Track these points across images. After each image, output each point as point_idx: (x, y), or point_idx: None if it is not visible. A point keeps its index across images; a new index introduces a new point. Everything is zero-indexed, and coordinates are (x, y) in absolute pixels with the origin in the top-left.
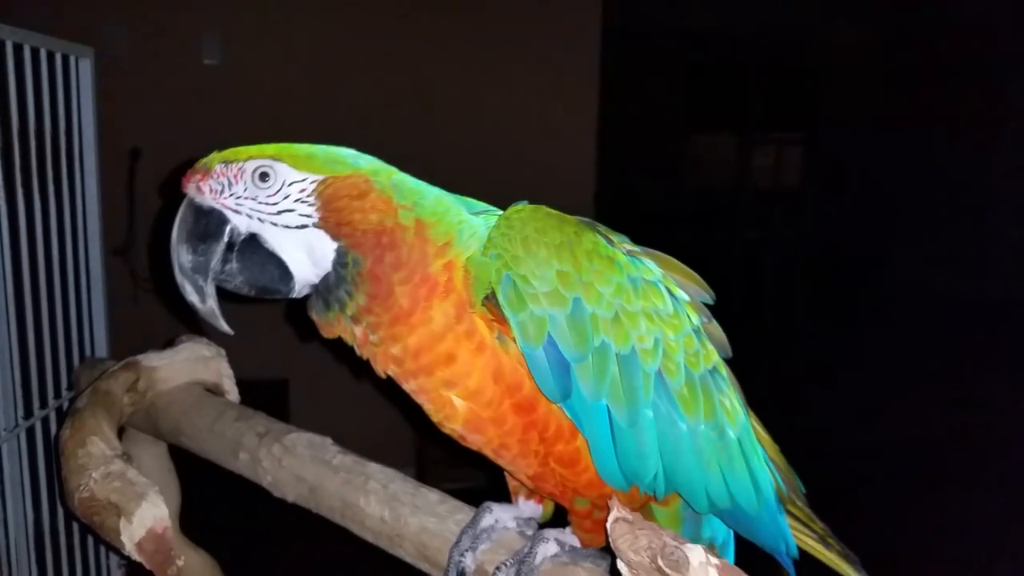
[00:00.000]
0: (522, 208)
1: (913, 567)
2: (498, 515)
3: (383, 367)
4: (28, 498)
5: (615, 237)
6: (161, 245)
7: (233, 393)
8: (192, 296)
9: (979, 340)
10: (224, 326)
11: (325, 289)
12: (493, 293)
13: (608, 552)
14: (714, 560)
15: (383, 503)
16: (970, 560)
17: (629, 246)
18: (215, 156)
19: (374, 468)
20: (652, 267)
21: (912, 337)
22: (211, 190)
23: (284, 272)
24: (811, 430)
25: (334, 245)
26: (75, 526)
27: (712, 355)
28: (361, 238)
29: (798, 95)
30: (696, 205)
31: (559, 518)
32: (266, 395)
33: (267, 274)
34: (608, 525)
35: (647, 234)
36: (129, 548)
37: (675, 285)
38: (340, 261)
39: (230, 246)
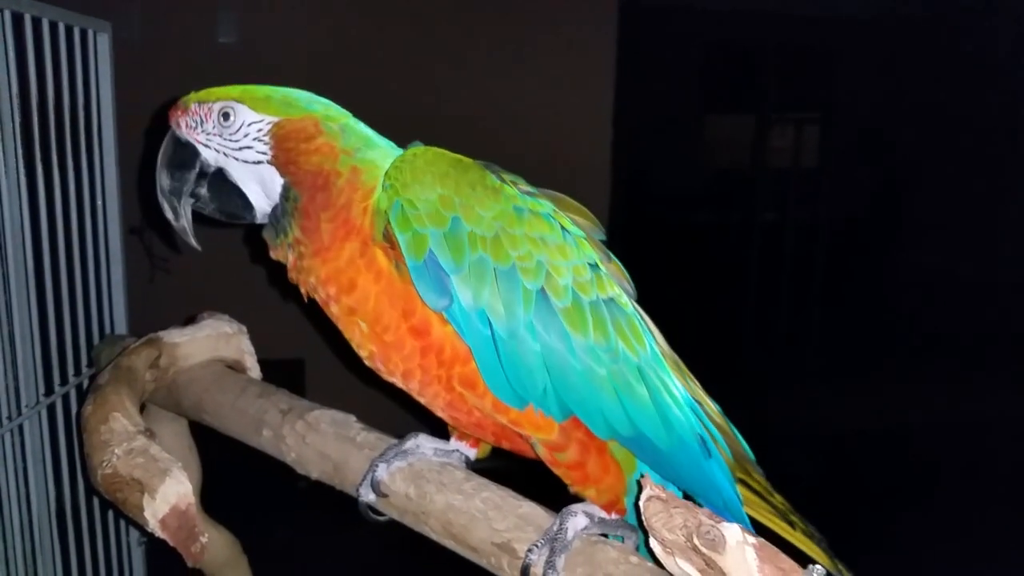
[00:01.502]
0: (418, 148)
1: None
2: (421, 442)
3: (305, 291)
4: (50, 475)
5: (509, 177)
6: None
7: (255, 370)
8: (169, 214)
9: (998, 326)
10: (194, 242)
11: (274, 218)
12: (389, 223)
13: (637, 523)
14: (751, 539)
15: (408, 480)
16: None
17: (525, 186)
18: (192, 95)
19: None
20: (544, 203)
21: (930, 322)
22: (187, 125)
23: (246, 202)
24: (824, 413)
25: (282, 181)
26: (96, 503)
27: (609, 287)
28: (302, 177)
29: (816, 75)
30: (712, 186)
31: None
32: (282, 375)
33: (232, 203)
34: (641, 503)
35: (664, 215)
36: (152, 525)
37: (570, 223)
38: (285, 195)
39: (203, 175)
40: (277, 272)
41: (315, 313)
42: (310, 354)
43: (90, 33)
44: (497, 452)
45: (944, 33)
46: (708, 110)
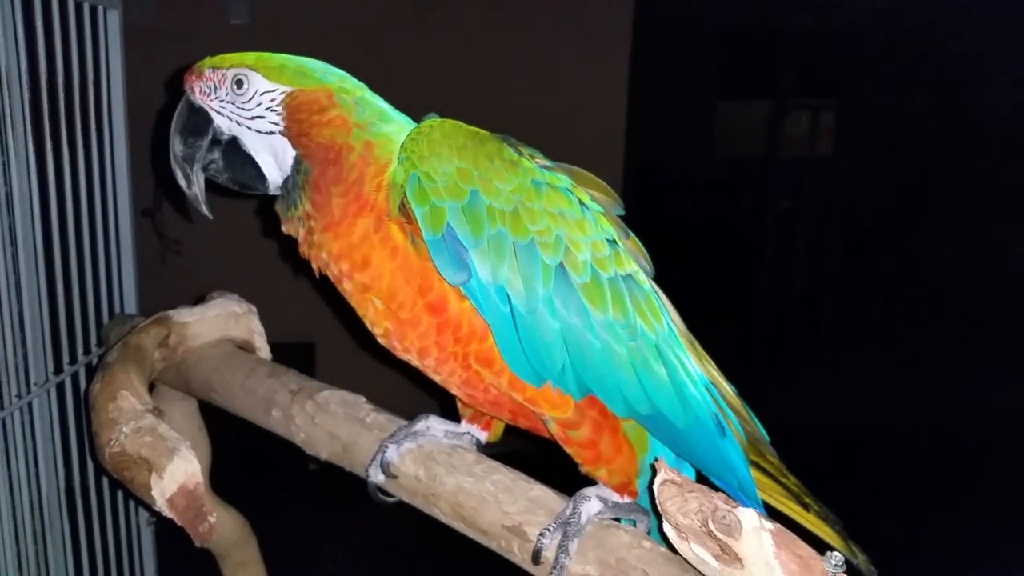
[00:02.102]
0: (434, 120)
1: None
2: (431, 423)
3: (316, 267)
4: (59, 453)
5: (527, 150)
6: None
7: (264, 350)
8: (181, 181)
9: (1015, 317)
10: (205, 210)
11: (286, 190)
12: (406, 196)
13: (650, 507)
14: (768, 525)
15: (418, 462)
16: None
17: (542, 160)
18: (207, 60)
19: None
20: (562, 177)
21: (946, 313)
22: (201, 91)
23: (259, 172)
24: (837, 404)
25: (294, 153)
26: (105, 481)
27: (627, 264)
28: (314, 150)
29: (832, 61)
30: (726, 173)
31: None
32: (292, 358)
33: (246, 172)
34: (655, 487)
35: (677, 201)
36: (160, 504)
37: (588, 197)
38: (296, 168)
39: (216, 142)
40: (289, 249)
41: (326, 294)
42: (321, 338)
43: (100, 10)
44: (509, 434)
45: (966, 19)
46: (723, 96)
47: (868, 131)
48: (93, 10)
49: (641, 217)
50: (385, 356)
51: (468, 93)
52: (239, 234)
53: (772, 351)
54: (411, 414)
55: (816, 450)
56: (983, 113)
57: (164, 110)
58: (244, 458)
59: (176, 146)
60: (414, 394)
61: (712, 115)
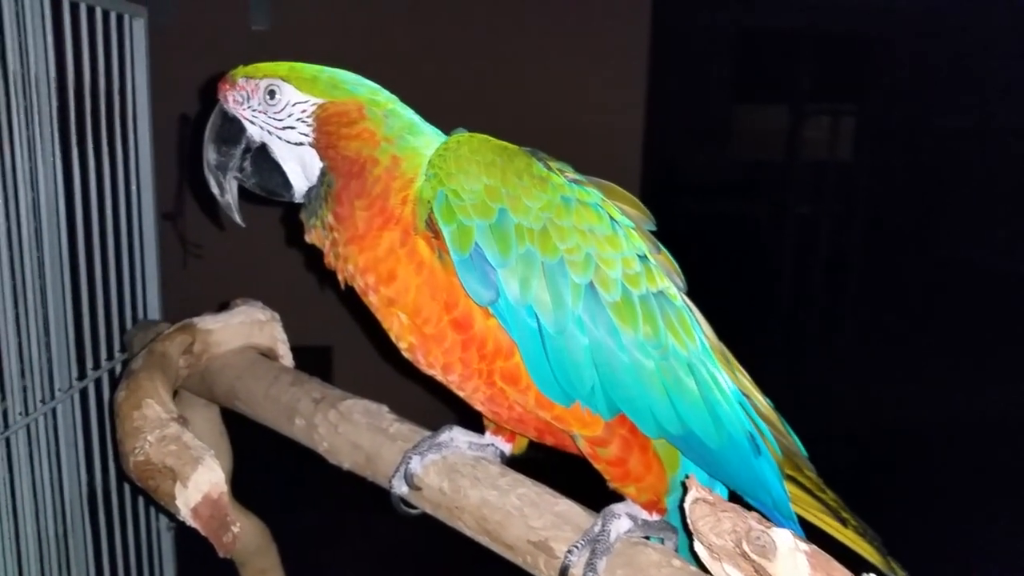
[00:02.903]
0: (462, 135)
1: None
2: (455, 435)
3: (341, 278)
4: (82, 459)
5: (556, 164)
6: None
7: (287, 358)
8: (214, 189)
9: None
10: (238, 218)
11: (310, 200)
12: (432, 212)
13: (682, 526)
14: (803, 546)
15: (442, 474)
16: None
17: (572, 174)
18: (240, 69)
19: None
20: (592, 192)
21: (965, 316)
22: (234, 100)
23: (286, 180)
24: (856, 407)
25: (321, 164)
26: (127, 487)
27: (659, 280)
28: (339, 163)
29: (852, 64)
30: (744, 176)
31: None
32: (310, 362)
33: (273, 180)
34: (687, 506)
35: (694, 205)
36: (184, 513)
37: (618, 212)
38: (321, 179)
39: (247, 150)
40: (310, 257)
41: (345, 301)
42: (338, 342)
43: (126, 18)
44: (533, 447)
45: (986, 24)
46: (741, 99)
47: (887, 135)
48: (119, 19)
49: (658, 221)
50: (407, 367)
51: (487, 98)
52: (259, 239)
53: (790, 356)
54: (427, 420)
55: (839, 458)
56: (1008, 117)
57: (185, 116)
58: (261, 464)
59: (210, 154)
60: (431, 400)
61: (731, 119)
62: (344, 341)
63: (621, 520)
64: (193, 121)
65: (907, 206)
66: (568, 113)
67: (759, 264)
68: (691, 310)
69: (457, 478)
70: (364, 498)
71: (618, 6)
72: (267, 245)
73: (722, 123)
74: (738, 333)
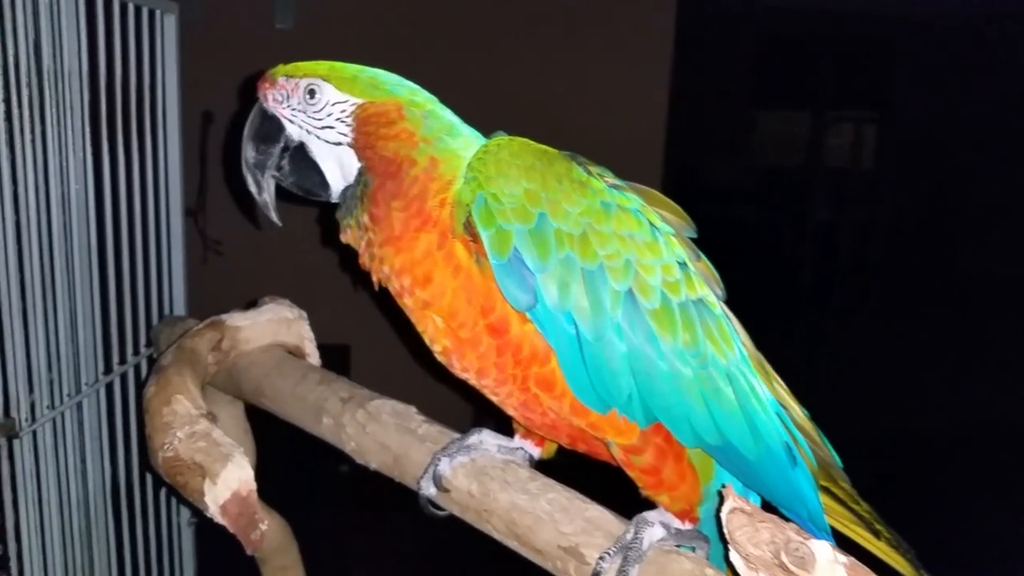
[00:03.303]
0: (502, 138)
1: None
2: (484, 438)
3: (376, 279)
4: (106, 453)
5: (596, 169)
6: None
7: (314, 356)
8: (252, 188)
9: None
10: (275, 218)
11: (345, 200)
12: (471, 216)
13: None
14: (842, 558)
15: (471, 476)
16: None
17: (611, 179)
18: (280, 68)
19: None
20: (632, 198)
21: (989, 326)
22: (274, 99)
23: (323, 180)
24: (877, 415)
25: (358, 165)
26: (148, 482)
27: (699, 288)
28: (377, 163)
29: (872, 72)
30: (765, 184)
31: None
32: (328, 361)
33: (311, 179)
34: (723, 516)
35: (714, 212)
36: (213, 511)
37: (658, 218)
38: (358, 179)
39: (285, 149)
40: (344, 257)
41: (363, 301)
42: (356, 341)
43: (157, 13)
44: (561, 452)
45: (1008, 33)
46: (763, 106)
47: (909, 143)
48: (151, 14)
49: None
50: (436, 369)
51: (509, 100)
52: (278, 236)
53: (811, 360)
54: (444, 421)
55: (874, 466)
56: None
57: (207, 113)
58: (282, 459)
59: (248, 152)
60: (449, 401)
61: (753, 125)
62: (362, 340)
63: (654, 528)
64: (232, 118)
65: (927, 214)
66: (589, 117)
67: (781, 269)
68: (730, 319)
69: (486, 481)
70: (383, 497)
71: (643, 12)
72: (286, 243)
73: (743, 129)
74: (763, 339)
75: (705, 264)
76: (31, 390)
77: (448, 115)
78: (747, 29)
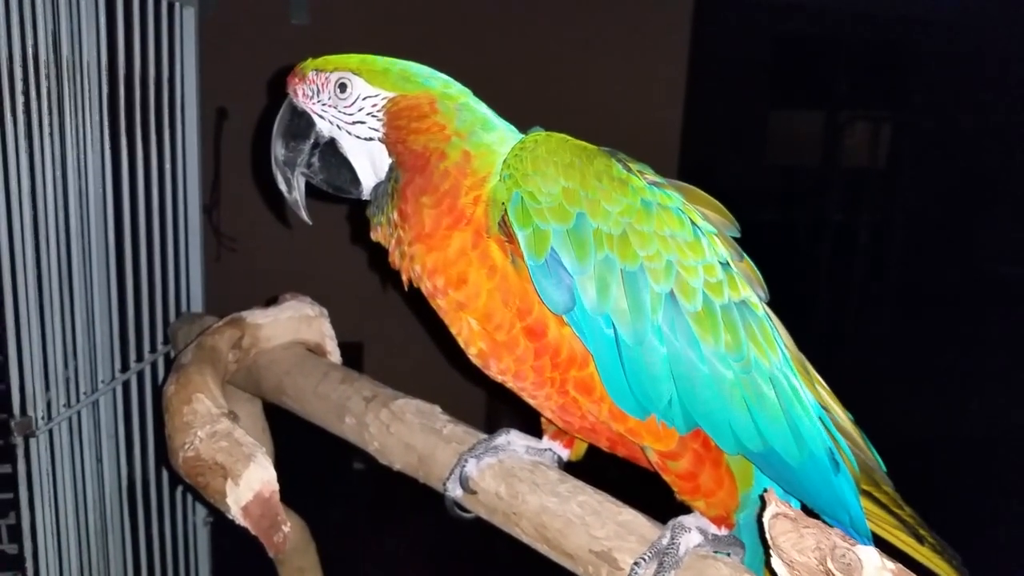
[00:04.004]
0: (539, 134)
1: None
2: (512, 438)
3: (406, 278)
4: (122, 450)
5: (636, 166)
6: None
7: (335, 354)
8: (282, 185)
9: None
10: (305, 216)
11: (375, 195)
12: (507, 214)
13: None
14: (890, 564)
15: (499, 478)
16: None
17: (652, 176)
18: (310, 63)
19: None
20: (673, 196)
21: (1005, 328)
22: (304, 94)
23: (354, 176)
24: (897, 418)
25: (389, 160)
26: (164, 480)
27: (741, 289)
28: (407, 157)
29: (889, 72)
30: (780, 183)
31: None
32: (341, 358)
33: (341, 176)
34: (766, 521)
35: (732, 209)
36: (235, 512)
37: (700, 217)
38: (389, 175)
39: (316, 145)
40: (374, 255)
41: (377, 298)
42: (369, 338)
43: (177, 7)
44: (591, 453)
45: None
46: (779, 106)
47: (924, 144)
48: (171, 7)
49: None
50: (471, 370)
51: (526, 97)
52: (291, 233)
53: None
54: (460, 417)
55: (917, 470)
56: None
57: (222, 108)
58: (299, 458)
59: (278, 149)
60: (463, 398)
61: (766, 124)
62: (375, 338)
63: (691, 534)
64: (217, 111)
65: (944, 215)
66: (604, 116)
67: (790, 272)
68: (772, 321)
69: (515, 483)
70: (400, 495)
71: (659, 13)
72: (299, 240)
73: (759, 128)
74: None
75: (748, 264)
76: (47, 388)
77: (483, 109)
78: (763, 28)
